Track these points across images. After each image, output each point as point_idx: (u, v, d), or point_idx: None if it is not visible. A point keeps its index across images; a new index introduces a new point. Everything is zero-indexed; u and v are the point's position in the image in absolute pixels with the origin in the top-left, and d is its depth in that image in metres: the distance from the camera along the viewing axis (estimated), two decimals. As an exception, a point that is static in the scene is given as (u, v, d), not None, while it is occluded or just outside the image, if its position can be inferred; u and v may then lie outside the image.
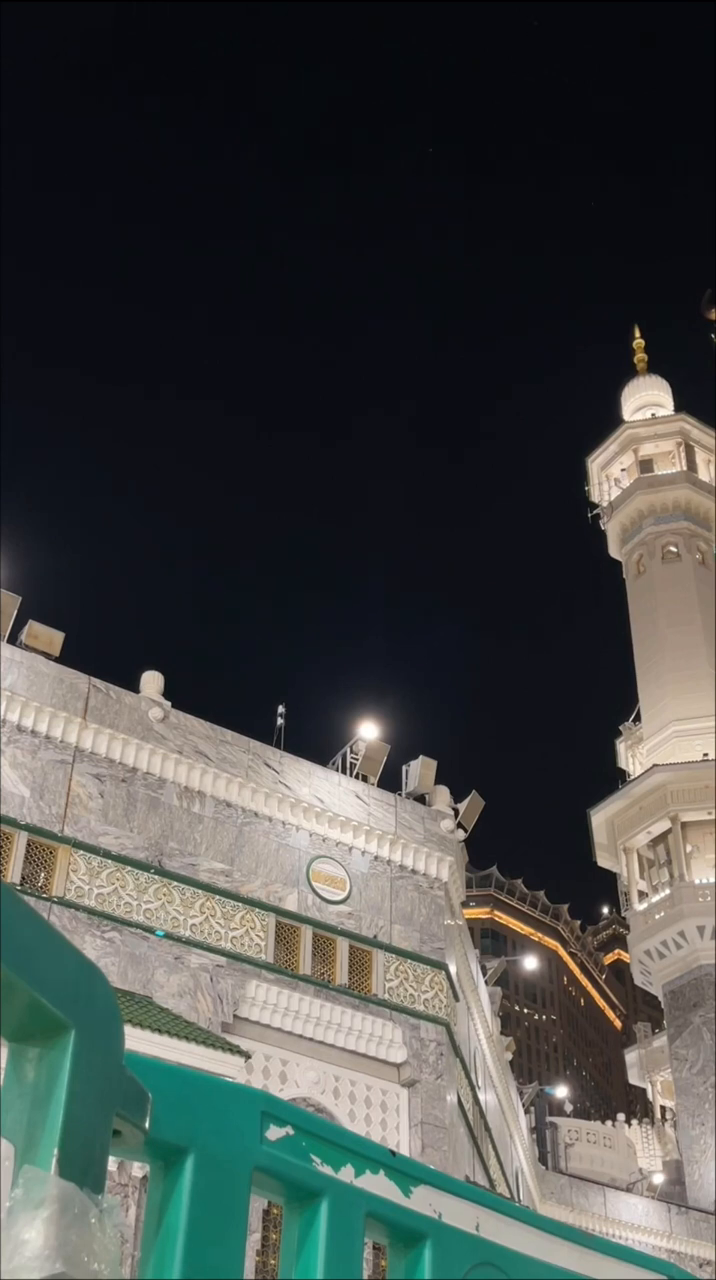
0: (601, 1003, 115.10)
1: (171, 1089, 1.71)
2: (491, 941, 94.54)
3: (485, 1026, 32.96)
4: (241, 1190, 1.75)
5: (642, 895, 51.57)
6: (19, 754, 23.38)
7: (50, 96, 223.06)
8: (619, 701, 66.95)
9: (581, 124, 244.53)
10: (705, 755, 50.91)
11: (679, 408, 63.91)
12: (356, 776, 27.95)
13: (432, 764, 28.93)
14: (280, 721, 29.35)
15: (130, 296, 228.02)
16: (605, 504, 61.56)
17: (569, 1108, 60.39)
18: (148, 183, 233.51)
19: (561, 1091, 61.49)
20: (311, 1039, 24.26)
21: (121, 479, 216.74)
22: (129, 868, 23.53)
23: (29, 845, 22.75)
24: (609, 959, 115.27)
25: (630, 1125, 52.20)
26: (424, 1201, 1.98)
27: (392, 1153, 1.99)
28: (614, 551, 61.20)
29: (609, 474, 62.52)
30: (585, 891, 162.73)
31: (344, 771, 28.23)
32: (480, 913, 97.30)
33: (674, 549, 58.27)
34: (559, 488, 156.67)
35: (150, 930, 23.15)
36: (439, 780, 28.99)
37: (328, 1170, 1.86)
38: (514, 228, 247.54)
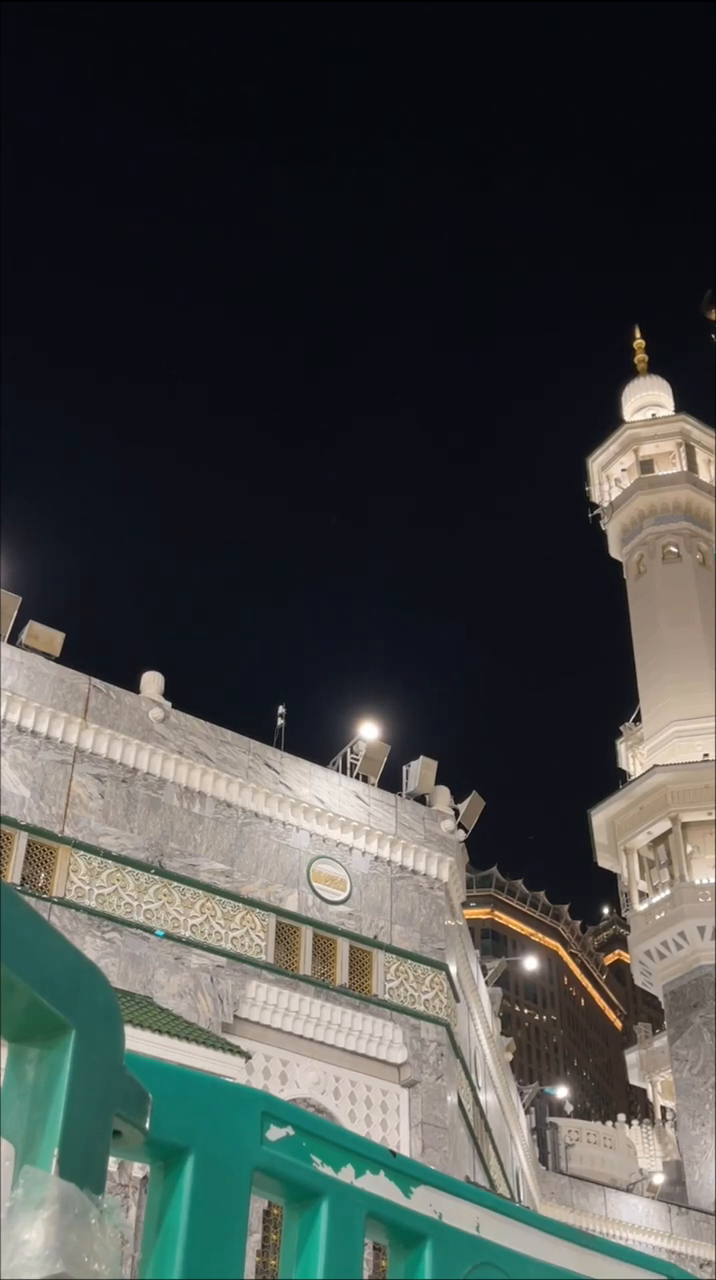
0: (601, 1003, 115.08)
1: (172, 1089, 1.71)
2: (492, 942, 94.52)
3: (485, 1027, 32.96)
4: (242, 1191, 1.74)
5: (643, 896, 51.57)
6: (19, 754, 23.37)
7: (50, 98, 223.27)
8: (619, 701, 66.99)
9: (583, 126, 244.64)
10: (705, 755, 50.90)
11: (679, 408, 63.91)
12: (356, 777, 27.95)
13: (433, 764, 28.92)
14: (280, 722, 29.37)
15: (133, 295, 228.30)
16: (605, 504, 61.56)
17: (569, 1108, 60.36)
18: (153, 184, 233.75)
19: (561, 1092, 61.45)
20: (312, 1039, 24.26)
21: (122, 479, 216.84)
22: (129, 868, 23.53)
23: (29, 845, 22.75)
24: (609, 959, 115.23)
25: (630, 1126, 52.22)
26: (424, 1202, 1.98)
27: (393, 1153, 1.99)
28: (614, 552, 61.19)
29: (609, 474, 62.51)
30: (585, 892, 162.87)
31: (344, 772, 28.23)
32: (480, 913, 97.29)
33: (674, 549, 58.27)
34: (560, 488, 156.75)
35: (150, 931, 23.15)
36: (439, 780, 28.99)
37: (328, 1171, 1.86)
38: (516, 229, 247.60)
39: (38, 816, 23.02)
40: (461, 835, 28.66)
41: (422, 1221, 1.96)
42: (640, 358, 66.93)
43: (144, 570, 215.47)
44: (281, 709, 29.74)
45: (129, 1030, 1.73)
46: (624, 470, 61.93)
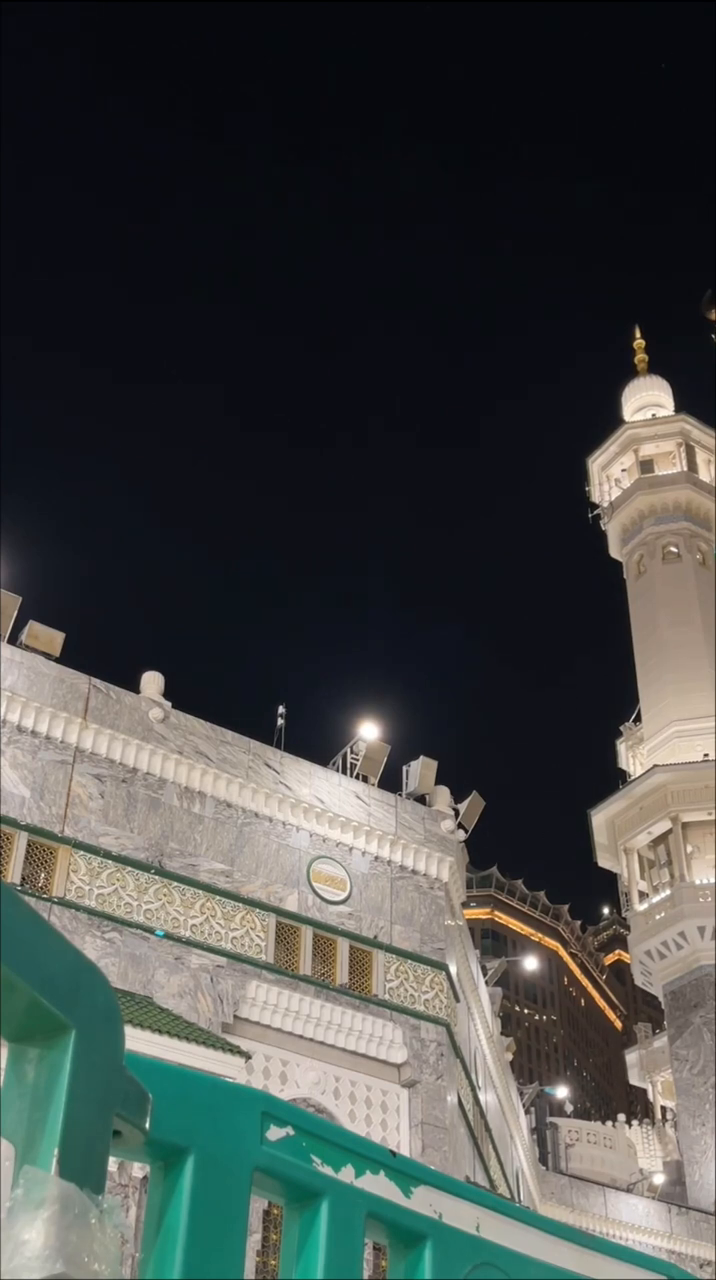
0: (602, 1003, 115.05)
1: (172, 1089, 1.71)
2: (492, 942, 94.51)
3: (485, 1027, 32.95)
4: (242, 1191, 1.74)
5: (643, 896, 51.57)
6: (19, 754, 23.37)
7: (50, 98, 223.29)
8: (619, 701, 66.98)
9: (583, 126, 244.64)
10: (705, 755, 50.90)
11: (679, 408, 63.90)
12: (357, 777, 27.94)
13: (433, 764, 28.92)
14: (280, 722, 29.37)
15: (133, 295, 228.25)
16: (606, 504, 61.56)
17: (569, 1108, 60.34)
18: (153, 184, 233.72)
19: (562, 1092, 61.42)
20: (312, 1039, 24.25)
21: (123, 479, 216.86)
22: (129, 868, 23.53)
23: (29, 846, 22.75)
24: (609, 959, 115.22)
25: (630, 1126, 52.22)
26: (424, 1202, 1.97)
27: (393, 1153, 1.99)
28: (614, 552, 61.19)
29: (609, 474, 62.52)
30: (585, 892, 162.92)
31: (344, 772, 28.22)
32: (480, 913, 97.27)
33: (674, 549, 58.27)
34: (560, 488, 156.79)
35: (150, 931, 23.15)
36: (439, 780, 28.98)
37: (328, 1171, 1.86)
38: (516, 228, 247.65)
39: (38, 816, 23.02)
40: (461, 835, 28.66)
41: (422, 1221, 1.96)
42: (640, 358, 66.92)
43: (144, 570, 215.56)
44: (281, 709, 29.77)
45: (129, 1030, 1.73)
46: (624, 470, 61.93)
